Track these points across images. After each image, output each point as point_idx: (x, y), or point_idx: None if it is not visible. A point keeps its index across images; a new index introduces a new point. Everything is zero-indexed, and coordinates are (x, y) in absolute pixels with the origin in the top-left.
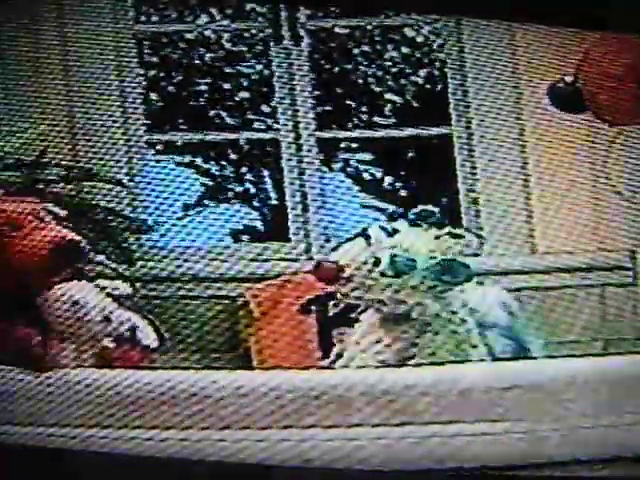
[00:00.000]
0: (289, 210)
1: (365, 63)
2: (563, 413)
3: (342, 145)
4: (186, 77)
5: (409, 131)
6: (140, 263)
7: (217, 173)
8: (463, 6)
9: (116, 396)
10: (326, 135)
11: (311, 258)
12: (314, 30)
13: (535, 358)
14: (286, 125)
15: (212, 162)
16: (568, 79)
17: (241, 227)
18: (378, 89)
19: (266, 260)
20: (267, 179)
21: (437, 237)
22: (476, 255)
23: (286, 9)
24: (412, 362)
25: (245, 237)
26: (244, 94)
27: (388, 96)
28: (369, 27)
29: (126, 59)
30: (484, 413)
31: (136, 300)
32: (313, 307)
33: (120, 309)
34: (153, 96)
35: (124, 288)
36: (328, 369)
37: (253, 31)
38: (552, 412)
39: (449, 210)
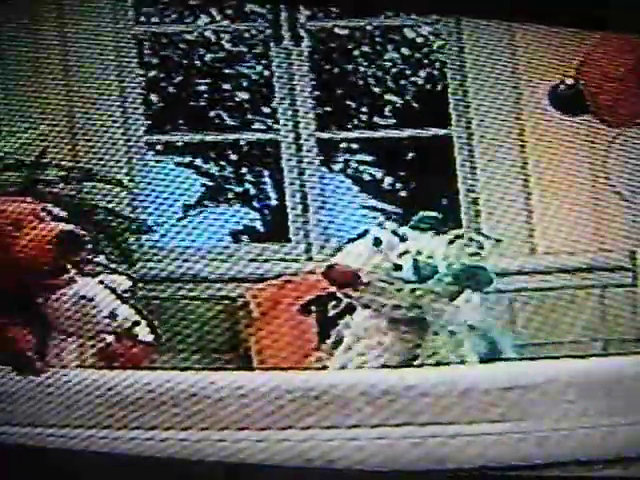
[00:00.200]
0: (289, 211)
1: (365, 64)
2: (563, 413)
3: (342, 146)
4: (186, 78)
5: (409, 132)
6: (140, 263)
7: (217, 173)
8: (463, 6)
9: (116, 396)
10: (326, 136)
11: (311, 258)
12: (314, 31)
13: (536, 359)
14: (286, 125)
15: (212, 162)
16: (568, 81)
17: (241, 227)
18: (378, 90)
19: (266, 260)
20: (267, 180)
21: (451, 242)
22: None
23: (286, 10)
24: (416, 363)
25: (245, 237)
26: (244, 95)
27: (388, 97)
28: (369, 28)
29: (126, 59)
30: (484, 413)
31: (135, 296)
32: (313, 308)
33: (123, 305)
34: (153, 97)
35: (124, 283)
36: (327, 369)
37: (253, 32)
38: (552, 412)
39: (453, 214)
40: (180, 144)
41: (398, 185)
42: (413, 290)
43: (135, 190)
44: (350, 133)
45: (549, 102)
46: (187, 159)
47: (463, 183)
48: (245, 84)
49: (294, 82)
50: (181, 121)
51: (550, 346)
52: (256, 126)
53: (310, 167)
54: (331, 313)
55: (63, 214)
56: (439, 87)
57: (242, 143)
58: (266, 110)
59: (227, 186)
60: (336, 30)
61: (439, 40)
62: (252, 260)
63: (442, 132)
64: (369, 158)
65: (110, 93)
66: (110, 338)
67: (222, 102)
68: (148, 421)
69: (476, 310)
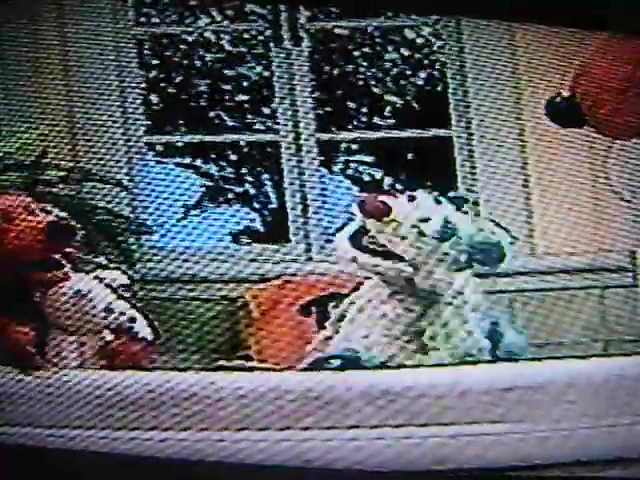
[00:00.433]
0: (289, 211)
1: (365, 64)
2: (563, 414)
3: (342, 146)
4: (186, 78)
5: (409, 132)
6: (140, 263)
7: (217, 174)
8: (463, 6)
9: (116, 396)
10: (326, 136)
11: (311, 259)
12: (314, 31)
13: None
14: (286, 126)
15: (212, 163)
16: (565, 94)
17: (241, 228)
18: (378, 90)
19: (266, 261)
20: (267, 180)
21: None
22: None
23: (286, 10)
24: (425, 336)
25: (245, 238)
26: (244, 95)
27: (388, 97)
28: (369, 28)
29: (126, 60)
30: (484, 414)
31: (133, 294)
32: (313, 308)
33: (119, 300)
34: (153, 97)
35: (119, 278)
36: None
37: (253, 32)
38: (552, 413)
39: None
40: (180, 145)
41: (398, 186)
42: (432, 247)
43: (135, 190)
44: (350, 134)
45: (546, 115)
46: (187, 160)
47: (463, 183)
48: (245, 85)
49: (294, 83)
50: (181, 122)
51: (550, 346)
52: (256, 127)
53: (310, 168)
54: (331, 314)
55: (55, 209)
56: (439, 88)
57: (242, 144)
58: (266, 111)
59: (227, 187)
60: (336, 31)
61: (439, 40)
62: (252, 260)
63: (442, 132)
64: (369, 159)
65: (110, 94)
66: (109, 336)
67: (222, 103)
68: (148, 421)
69: (478, 295)
